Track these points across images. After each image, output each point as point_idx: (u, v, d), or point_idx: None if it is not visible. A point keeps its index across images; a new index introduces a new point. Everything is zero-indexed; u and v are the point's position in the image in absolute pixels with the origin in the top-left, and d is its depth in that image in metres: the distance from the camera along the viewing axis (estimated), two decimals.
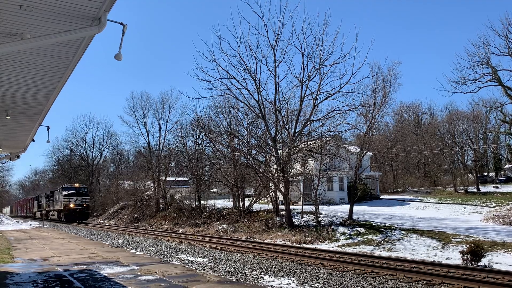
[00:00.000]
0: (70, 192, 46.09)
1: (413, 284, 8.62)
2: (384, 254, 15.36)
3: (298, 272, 9.37)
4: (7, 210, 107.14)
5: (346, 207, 27.39)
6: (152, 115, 58.04)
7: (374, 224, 22.45)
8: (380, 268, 10.11)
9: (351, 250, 16.77)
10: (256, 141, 29.06)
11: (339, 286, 8.12)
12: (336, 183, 39.54)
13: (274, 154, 25.39)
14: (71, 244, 17.06)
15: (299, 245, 17.67)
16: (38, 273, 9.51)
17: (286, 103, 25.96)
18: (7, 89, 8.20)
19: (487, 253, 13.45)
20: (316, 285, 8.19)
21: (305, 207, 27.62)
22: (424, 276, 9.14)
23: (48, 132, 13.07)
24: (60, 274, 9.33)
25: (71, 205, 45.22)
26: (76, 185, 49.25)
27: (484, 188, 47.13)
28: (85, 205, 46.57)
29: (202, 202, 37.91)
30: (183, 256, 12.84)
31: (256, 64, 26.48)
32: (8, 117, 9.63)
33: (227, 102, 32.69)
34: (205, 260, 11.85)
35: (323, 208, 27.77)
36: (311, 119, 24.69)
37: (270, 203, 29.66)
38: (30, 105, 9.31)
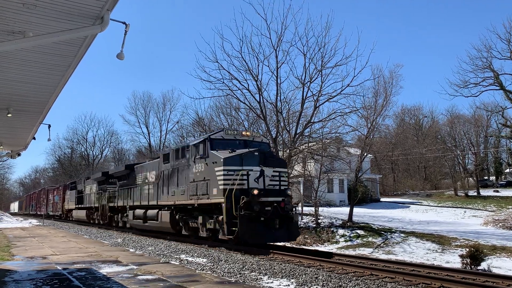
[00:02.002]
0: (238, 153, 14.75)
1: (412, 287, 8.61)
2: (384, 256, 15.35)
3: (297, 274, 9.37)
4: (14, 206, 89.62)
5: (346, 209, 27.37)
6: (153, 115, 58.37)
7: (373, 227, 22.43)
8: (380, 270, 10.09)
9: (351, 252, 16.76)
10: None
11: None
12: (336, 185, 39.54)
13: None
14: (71, 243, 17.07)
15: (298, 247, 17.66)
16: (37, 271, 9.51)
17: (287, 105, 26.05)
18: (9, 87, 8.22)
19: (487, 257, 13.46)
20: (315, 286, 8.18)
21: (305, 208, 27.62)
22: (423, 279, 9.13)
23: (49, 130, 13.08)
24: (59, 273, 9.33)
25: (255, 192, 13.86)
26: (247, 133, 16.91)
27: (484, 192, 47.08)
28: (289, 193, 15.04)
29: None
30: (182, 256, 12.83)
31: (258, 65, 26.57)
32: (9, 115, 9.65)
33: (228, 103, 32.77)
34: (204, 260, 11.85)
35: (323, 210, 27.77)
36: (312, 120, 24.74)
37: None
38: (31, 103, 9.33)
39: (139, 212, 21.23)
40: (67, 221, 40.36)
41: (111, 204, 26.36)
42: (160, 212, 18.76)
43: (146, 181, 21.06)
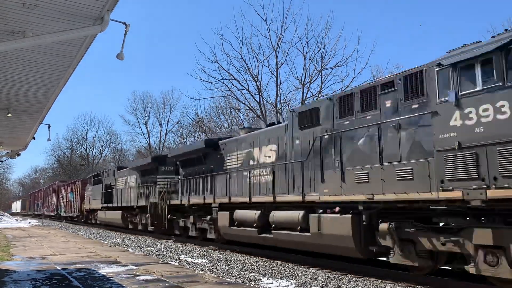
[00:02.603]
0: None
1: (412, 287, 8.58)
2: (384, 257, 15.35)
3: (296, 274, 9.37)
4: (16, 206, 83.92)
5: None
6: (153, 115, 58.38)
7: None
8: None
9: None
10: None
11: None
12: None
13: None
14: (70, 243, 17.08)
15: None
16: (37, 271, 9.51)
17: (287, 105, 26.06)
18: (9, 87, 8.23)
19: None
20: (314, 287, 8.18)
21: None
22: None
23: (49, 130, 13.11)
24: (59, 273, 9.33)
25: None
26: None
27: None
28: None
29: None
30: (182, 257, 12.84)
31: (258, 66, 26.57)
32: (9, 115, 9.67)
33: (228, 103, 32.82)
34: (204, 260, 11.85)
35: None
36: None
37: None
38: (31, 103, 9.35)
39: (247, 215, 12.79)
40: (90, 225, 31.64)
41: (174, 202, 17.81)
42: (315, 217, 10.02)
43: (252, 162, 13.26)
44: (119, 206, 24.54)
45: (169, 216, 18.15)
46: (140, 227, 22.00)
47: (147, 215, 20.18)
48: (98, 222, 29.45)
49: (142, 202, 21.19)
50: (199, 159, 16.54)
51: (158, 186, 19.51)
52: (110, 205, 26.28)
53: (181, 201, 17.35)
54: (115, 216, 24.92)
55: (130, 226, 23.54)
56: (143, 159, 25.04)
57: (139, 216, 22.05)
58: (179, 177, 18.14)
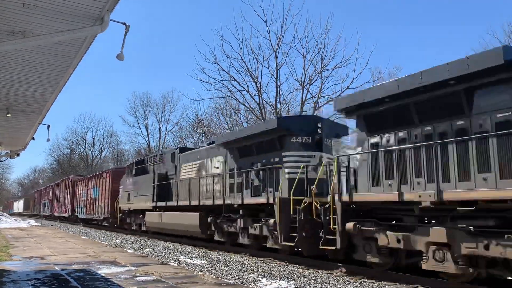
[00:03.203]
0: None
1: (412, 285, 8.55)
2: None
3: (295, 276, 9.36)
4: (18, 205, 78.91)
5: None
6: (153, 116, 58.40)
7: None
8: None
9: None
10: None
11: None
12: None
13: None
14: (69, 243, 17.06)
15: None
16: (35, 272, 9.50)
17: (287, 106, 26.12)
18: (9, 87, 8.24)
19: None
20: None
21: None
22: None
23: (49, 130, 13.11)
24: (57, 273, 9.32)
25: None
26: None
27: None
28: None
29: None
30: (181, 258, 12.83)
31: (258, 67, 26.59)
32: (9, 115, 9.68)
33: (228, 104, 32.84)
34: (203, 262, 11.84)
35: None
36: None
37: None
38: (31, 103, 9.35)
39: None
40: (129, 232, 22.71)
41: (363, 197, 9.14)
42: None
43: None
44: (191, 206, 15.84)
45: (346, 226, 9.11)
46: (243, 241, 13.34)
47: (269, 221, 11.76)
48: (145, 229, 20.44)
49: (250, 199, 12.92)
50: (448, 103, 7.79)
51: (287, 169, 11.75)
52: (170, 203, 17.62)
53: (399, 196, 8.07)
54: (185, 220, 15.99)
55: (218, 238, 14.76)
56: (254, 126, 14.96)
57: (240, 221, 13.22)
58: (357, 149, 9.84)
